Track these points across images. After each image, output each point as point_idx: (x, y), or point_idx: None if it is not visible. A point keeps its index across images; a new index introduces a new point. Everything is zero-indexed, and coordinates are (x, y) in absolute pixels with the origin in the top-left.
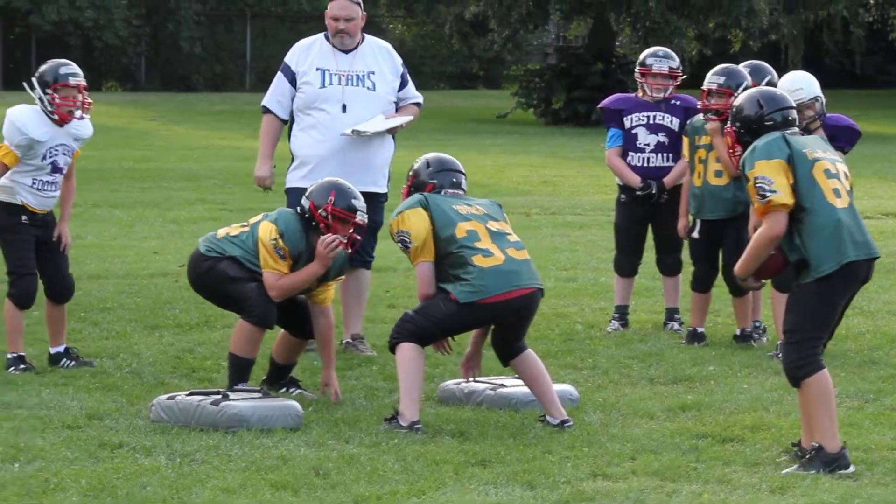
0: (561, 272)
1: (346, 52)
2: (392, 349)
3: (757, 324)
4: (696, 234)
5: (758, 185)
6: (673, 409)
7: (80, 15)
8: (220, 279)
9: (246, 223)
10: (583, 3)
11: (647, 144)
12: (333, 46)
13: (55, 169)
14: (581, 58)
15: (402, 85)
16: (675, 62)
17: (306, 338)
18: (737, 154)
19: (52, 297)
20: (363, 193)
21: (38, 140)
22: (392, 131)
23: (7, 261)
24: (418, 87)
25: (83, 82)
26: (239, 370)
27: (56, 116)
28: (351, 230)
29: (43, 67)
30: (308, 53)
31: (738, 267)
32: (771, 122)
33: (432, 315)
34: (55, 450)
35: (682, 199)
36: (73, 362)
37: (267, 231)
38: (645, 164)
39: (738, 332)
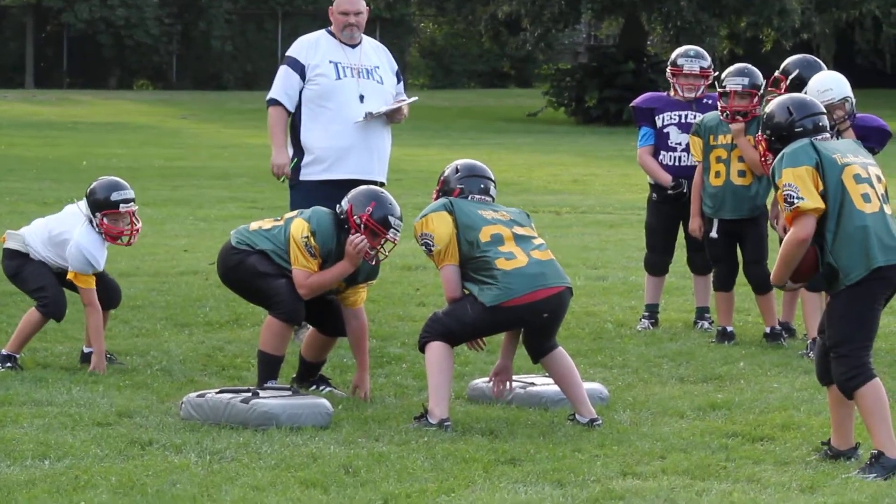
0: (591, 271)
1: (353, 46)
2: (421, 348)
3: (789, 325)
4: (714, 234)
5: (785, 192)
6: (703, 408)
7: (112, 13)
8: (250, 274)
9: (280, 218)
10: (614, 3)
11: (679, 143)
12: (339, 41)
13: None
14: (612, 57)
15: (397, 83)
16: (707, 61)
17: (336, 336)
18: (768, 162)
19: (102, 306)
20: (379, 183)
21: (101, 267)
22: (398, 113)
23: (27, 284)
24: (450, 86)
25: (134, 207)
26: (268, 367)
27: (106, 238)
28: (381, 243)
29: (95, 185)
30: (317, 47)
31: (773, 274)
32: (801, 129)
33: (460, 317)
34: (85, 447)
35: (695, 198)
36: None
37: (299, 228)
38: (676, 164)
39: (767, 330)
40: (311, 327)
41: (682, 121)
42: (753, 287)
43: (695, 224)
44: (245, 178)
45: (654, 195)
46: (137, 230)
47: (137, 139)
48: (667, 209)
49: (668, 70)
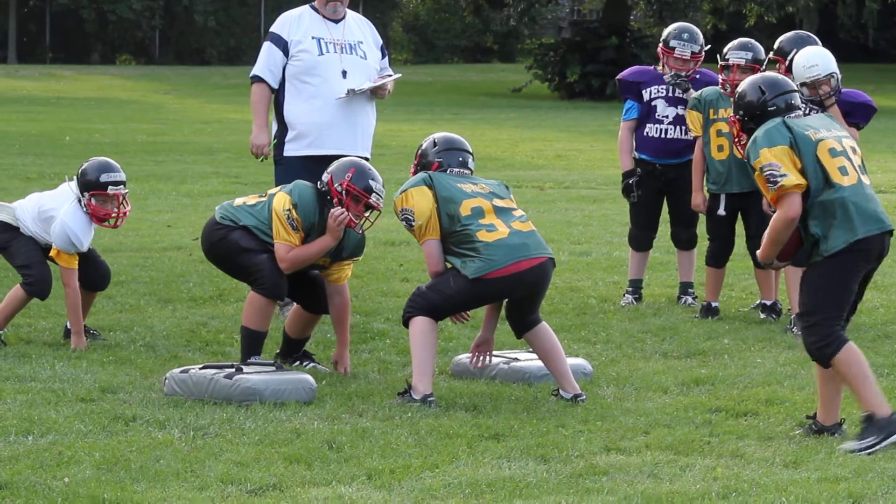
0: (574, 246)
1: (336, 21)
2: (405, 323)
3: (776, 305)
4: (722, 211)
5: (766, 172)
6: (686, 384)
7: None
8: (232, 249)
9: (264, 193)
10: None
11: (666, 116)
12: (323, 16)
13: None
14: (595, 32)
15: (381, 57)
16: (699, 45)
17: (319, 313)
18: (742, 143)
19: (89, 287)
20: (364, 159)
21: (86, 247)
22: (382, 89)
23: (14, 259)
24: (433, 61)
25: (124, 190)
26: (251, 343)
27: (93, 219)
28: (364, 211)
29: (87, 165)
30: (300, 23)
31: (760, 253)
32: (774, 108)
33: (444, 291)
34: (69, 423)
35: (696, 173)
36: (88, 338)
37: (281, 202)
38: (662, 136)
39: (766, 303)
40: (295, 304)
41: (670, 94)
42: (755, 261)
43: (698, 199)
44: (228, 154)
45: (638, 170)
46: (125, 213)
47: (120, 114)
48: (651, 184)
49: (659, 48)
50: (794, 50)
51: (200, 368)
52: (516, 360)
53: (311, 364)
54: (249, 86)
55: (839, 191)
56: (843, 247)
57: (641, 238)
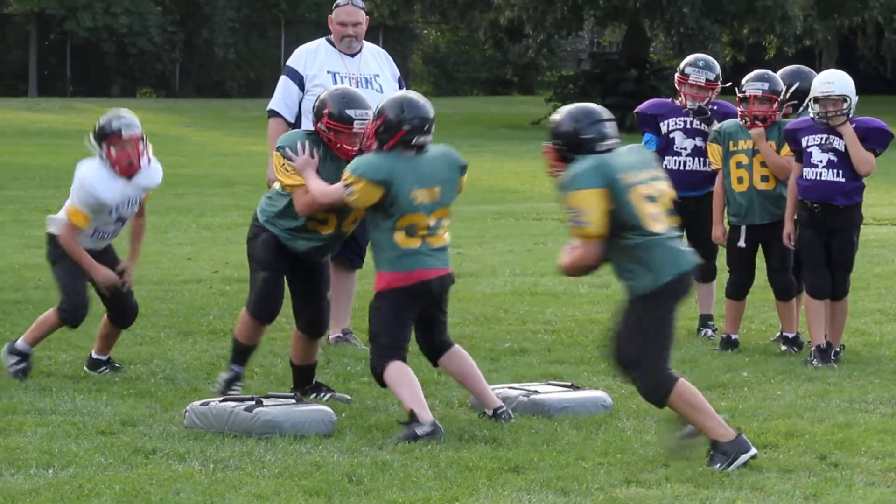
0: (594, 278)
1: (352, 55)
2: (380, 381)
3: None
4: (742, 244)
5: (573, 215)
6: None
7: (115, 21)
8: (249, 254)
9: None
10: (617, 9)
11: (685, 148)
12: (338, 51)
13: (119, 219)
14: (615, 64)
15: (399, 89)
16: (714, 73)
17: (315, 336)
18: (557, 172)
19: (114, 322)
20: None
21: (107, 202)
22: None
23: (57, 279)
24: (452, 93)
25: (139, 133)
26: (236, 352)
27: (118, 170)
28: (352, 139)
29: (100, 120)
30: (315, 57)
31: (563, 263)
32: (588, 137)
33: (378, 324)
34: (89, 455)
35: (717, 205)
36: (108, 369)
37: (277, 158)
38: (681, 168)
39: (788, 335)
40: (296, 328)
41: (688, 126)
42: (777, 294)
43: (718, 231)
44: (248, 186)
45: None
46: (149, 154)
47: None
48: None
49: (676, 76)
50: (796, 83)
51: (221, 401)
52: (536, 392)
53: (329, 395)
54: (267, 119)
55: (648, 236)
56: (652, 289)
57: None
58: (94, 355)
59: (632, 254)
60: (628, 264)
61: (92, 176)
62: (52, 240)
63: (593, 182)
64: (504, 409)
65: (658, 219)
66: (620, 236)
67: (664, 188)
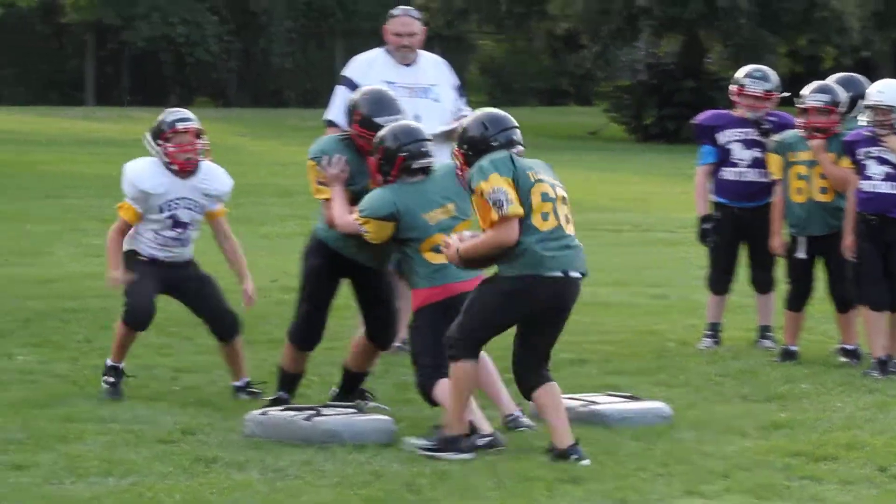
0: (652, 289)
1: (408, 65)
2: (429, 399)
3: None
4: (802, 255)
5: (493, 196)
6: (766, 427)
7: (172, 31)
8: (300, 275)
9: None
10: (673, 20)
11: (742, 159)
12: (395, 61)
13: (177, 223)
14: (671, 74)
15: (458, 97)
16: (771, 84)
17: (382, 347)
18: (464, 176)
19: (216, 335)
20: None
21: (150, 192)
22: (454, 133)
23: (125, 291)
24: (509, 103)
25: (195, 126)
26: (281, 380)
27: (175, 167)
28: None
29: (157, 118)
30: (371, 67)
31: (462, 249)
32: (497, 143)
33: (421, 339)
34: (149, 464)
35: (776, 216)
36: (246, 396)
37: (310, 166)
38: (740, 179)
39: (847, 347)
40: (362, 331)
41: (747, 137)
42: (837, 305)
43: (776, 242)
44: (305, 196)
45: (717, 213)
46: (206, 145)
47: None
48: (729, 228)
49: (733, 88)
50: (848, 92)
51: (280, 410)
52: (594, 402)
53: (370, 404)
54: (324, 129)
55: (532, 234)
56: (514, 275)
57: (719, 281)
58: (233, 384)
59: (511, 248)
60: (506, 256)
61: (136, 166)
62: (127, 255)
63: (503, 171)
64: (514, 416)
65: (547, 218)
66: None
67: (563, 192)
